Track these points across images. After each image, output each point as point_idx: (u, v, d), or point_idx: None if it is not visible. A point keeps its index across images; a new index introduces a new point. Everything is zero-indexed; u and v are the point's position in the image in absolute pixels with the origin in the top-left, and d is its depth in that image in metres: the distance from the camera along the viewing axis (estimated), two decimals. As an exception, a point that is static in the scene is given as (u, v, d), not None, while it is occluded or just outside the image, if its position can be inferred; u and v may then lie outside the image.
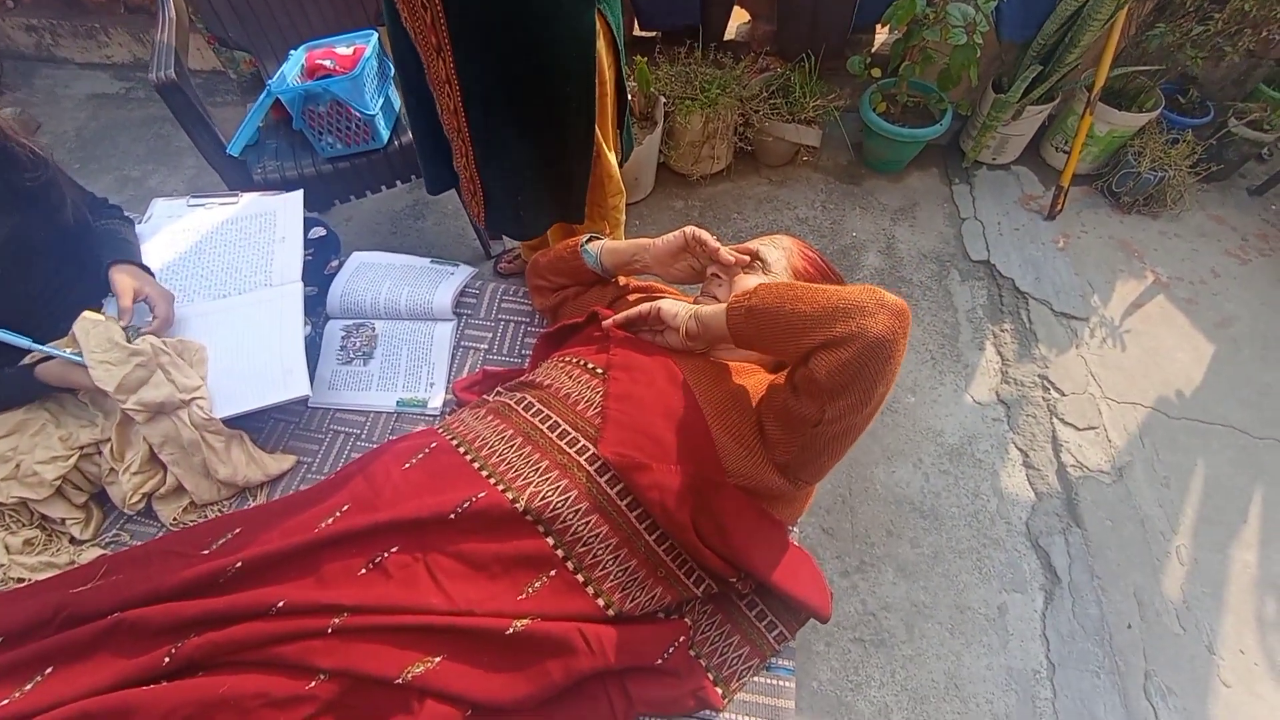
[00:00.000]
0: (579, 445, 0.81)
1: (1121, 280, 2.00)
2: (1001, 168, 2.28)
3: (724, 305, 0.84)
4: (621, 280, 1.13)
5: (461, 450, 0.86)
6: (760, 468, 0.82)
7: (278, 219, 1.20)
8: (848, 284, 0.79)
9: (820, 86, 2.12)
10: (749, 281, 0.96)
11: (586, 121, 1.12)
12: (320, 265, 1.28)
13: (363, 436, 1.16)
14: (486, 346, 1.25)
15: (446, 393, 1.20)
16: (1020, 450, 1.65)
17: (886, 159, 2.24)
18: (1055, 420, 1.70)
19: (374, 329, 1.26)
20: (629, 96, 1.51)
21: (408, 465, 0.86)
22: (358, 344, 1.24)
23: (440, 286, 1.27)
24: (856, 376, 0.69)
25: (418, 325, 1.25)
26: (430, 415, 1.18)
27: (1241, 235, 2.13)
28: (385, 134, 1.54)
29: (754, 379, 0.91)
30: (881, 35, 2.37)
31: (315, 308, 1.28)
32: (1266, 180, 2.25)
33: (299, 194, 1.23)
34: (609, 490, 0.78)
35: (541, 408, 0.88)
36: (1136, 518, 1.54)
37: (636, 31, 2.30)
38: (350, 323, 1.26)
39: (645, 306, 0.94)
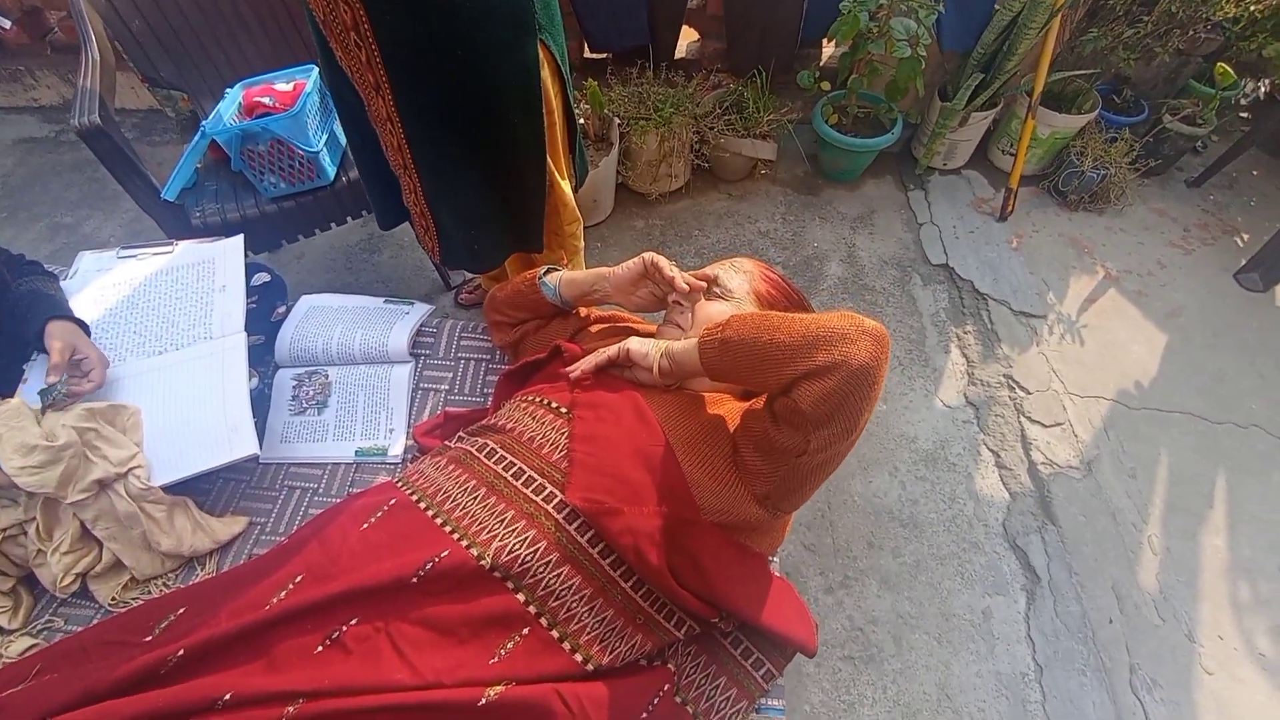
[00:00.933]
0: (545, 492, 0.78)
1: (1074, 276, 2.05)
2: (953, 172, 2.33)
3: (695, 340, 0.82)
4: (583, 311, 1.10)
5: (422, 505, 0.81)
6: (737, 501, 0.79)
7: (217, 267, 1.14)
8: (817, 309, 0.78)
9: (772, 101, 2.14)
10: (713, 309, 0.94)
11: (537, 152, 1.09)
12: (266, 312, 1.22)
13: (320, 491, 1.10)
14: (447, 387, 1.20)
15: (408, 438, 1.15)
16: (992, 451, 1.66)
17: (842, 169, 2.27)
18: (1023, 419, 1.72)
19: (327, 376, 1.20)
20: (580, 121, 1.49)
21: (366, 525, 0.81)
22: (310, 393, 1.19)
23: (395, 327, 1.22)
24: (841, 405, 0.67)
25: (374, 369, 1.20)
26: (391, 463, 1.13)
27: (1183, 226, 2.21)
28: (331, 170, 1.49)
29: (726, 407, 0.89)
30: (829, 49, 2.41)
31: (264, 357, 1.22)
32: (1202, 172, 2.34)
33: (239, 239, 1.17)
34: (579, 538, 0.75)
35: (505, 454, 0.84)
36: (1108, 511, 1.56)
37: (587, 54, 2.30)
38: (302, 371, 1.20)
39: (612, 349, 0.91)
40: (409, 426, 1.16)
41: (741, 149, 2.11)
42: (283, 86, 1.45)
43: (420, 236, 1.26)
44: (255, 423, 1.00)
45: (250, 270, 1.20)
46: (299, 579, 0.75)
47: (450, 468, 0.86)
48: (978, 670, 1.35)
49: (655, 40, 2.12)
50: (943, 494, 1.59)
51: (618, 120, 2.01)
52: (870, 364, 0.66)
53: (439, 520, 0.79)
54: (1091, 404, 1.74)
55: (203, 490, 1.04)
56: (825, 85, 2.06)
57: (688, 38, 2.38)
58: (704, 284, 0.95)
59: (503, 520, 0.76)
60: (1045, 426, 1.70)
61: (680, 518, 0.77)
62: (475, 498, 0.80)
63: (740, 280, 0.98)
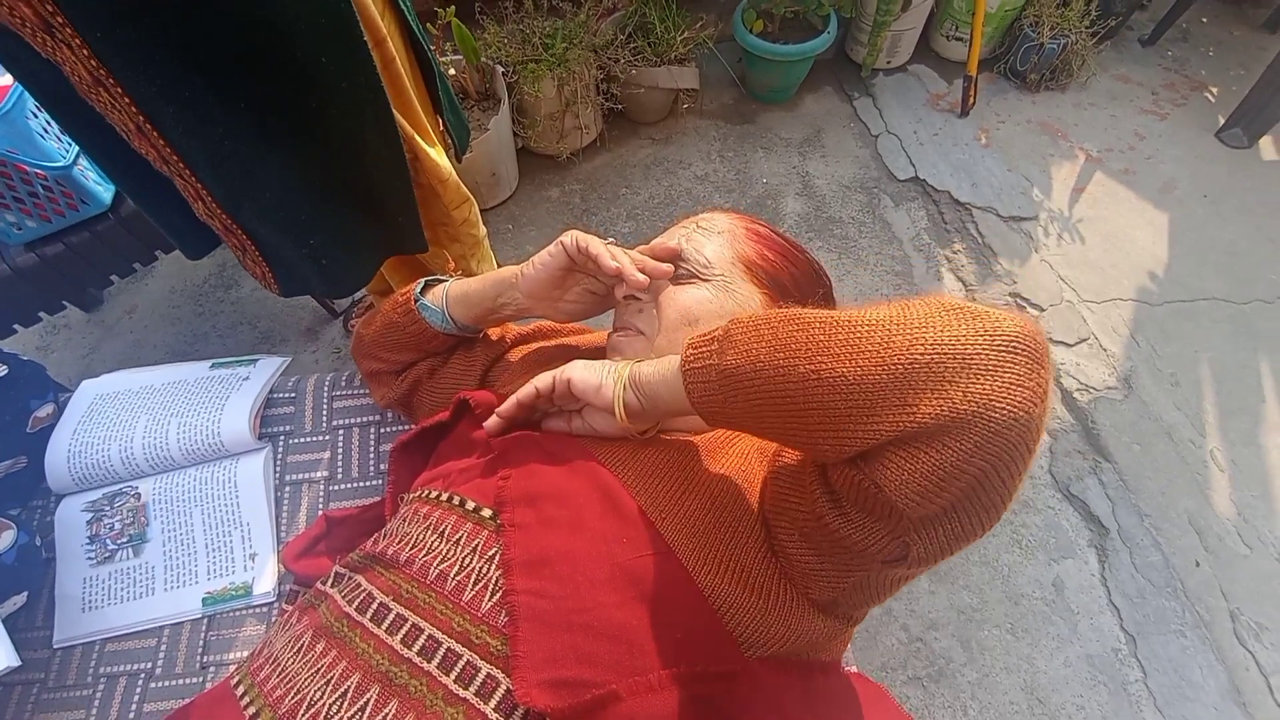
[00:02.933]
0: (480, 680, 0.44)
1: (1055, 166, 1.80)
2: (899, 70, 2.03)
3: (673, 362, 0.49)
4: (493, 334, 0.75)
5: (270, 733, 0.47)
6: (793, 617, 0.48)
7: None
8: (909, 299, 0.42)
9: (683, 17, 1.76)
10: (686, 298, 0.61)
11: (374, 108, 0.71)
12: (15, 422, 0.81)
13: (158, 673, 0.74)
14: (325, 474, 0.83)
15: (280, 563, 0.78)
16: (1016, 386, 1.42)
17: (775, 86, 1.93)
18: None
19: (138, 495, 0.81)
20: (451, 73, 1.10)
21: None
22: (116, 526, 0.80)
23: (229, 401, 0.83)
24: (970, 493, 0.36)
25: (209, 470, 0.82)
26: (261, 606, 0.76)
27: (1150, 90, 1.99)
28: (106, 192, 1.05)
29: (733, 454, 0.57)
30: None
31: (33, 487, 0.81)
32: (1154, 28, 2.12)
33: None
34: (555, 764, 0.42)
35: (403, 612, 0.49)
36: (1161, 431, 1.34)
37: (446, -7, 1.85)
38: (97, 496, 0.81)
39: (541, 380, 0.57)
40: (278, 545, 0.79)
41: (657, 80, 1.74)
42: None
43: (242, 263, 0.86)
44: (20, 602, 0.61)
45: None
46: None
47: (319, 650, 0.50)
48: (1064, 659, 1.12)
49: (528, -39, 1.70)
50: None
51: (501, 69, 1.61)
52: (1027, 412, 0.34)
53: (297, 766, 0.44)
54: (1111, 309, 1.52)
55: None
56: (743, -15, 1.70)
57: (567, -45, 1.95)
58: (667, 264, 0.62)
59: (411, 752, 0.43)
60: (1069, 346, 1.46)
61: (710, 673, 0.45)
62: (362, 709, 0.45)
63: (716, 245, 0.65)
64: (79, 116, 0.65)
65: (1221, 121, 1.87)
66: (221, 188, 0.71)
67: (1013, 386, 0.34)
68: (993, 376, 0.34)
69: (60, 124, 0.72)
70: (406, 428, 0.84)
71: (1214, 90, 1.99)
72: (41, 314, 1.11)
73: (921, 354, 0.35)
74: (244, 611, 0.76)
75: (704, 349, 0.46)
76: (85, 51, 0.56)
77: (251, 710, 0.49)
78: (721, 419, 0.47)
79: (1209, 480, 1.28)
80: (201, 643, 0.74)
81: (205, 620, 0.76)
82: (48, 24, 0.54)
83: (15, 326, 1.08)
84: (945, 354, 0.35)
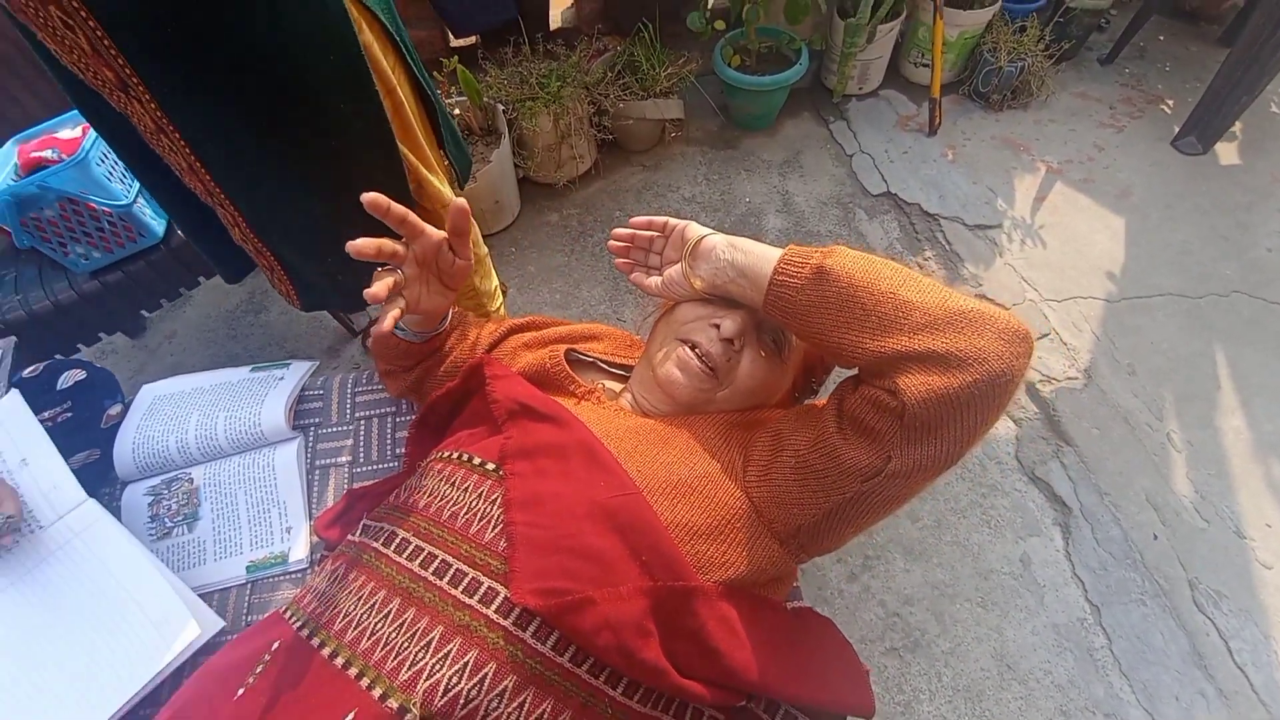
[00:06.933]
0: (482, 590, 0.55)
1: (1017, 177, 1.93)
2: (870, 95, 2.19)
3: (774, 253, 0.61)
4: (491, 326, 0.87)
5: (317, 643, 0.58)
6: (751, 544, 0.59)
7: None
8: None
9: (667, 54, 1.93)
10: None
11: (379, 140, 0.85)
12: (92, 419, 0.94)
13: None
14: (349, 459, 0.96)
15: (312, 535, 0.90)
16: (984, 380, 1.52)
17: (755, 113, 2.09)
18: (1008, 338, 1.58)
19: (191, 480, 0.93)
20: (456, 113, 1.25)
21: (242, 689, 0.57)
22: (173, 506, 0.92)
23: (268, 399, 0.96)
24: (956, 416, 0.50)
25: (250, 458, 0.94)
26: (296, 572, 0.88)
27: (1108, 105, 2.13)
28: (159, 225, 1.20)
29: (699, 427, 0.68)
30: (714, -12, 2.22)
31: (105, 475, 0.94)
32: (1112, 48, 2.26)
33: (14, 398, 0.82)
34: (540, 647, 0.53)
35: (421, 544, 0.61)
36: (1119, 416, 1.43)
37: (452, 43, 2.04)
38: (156, 481, 0.93)
39: (666, 218, 0.71)
40: (310, 520, 0.91)
41: (645, 112, 1.90)
42: (68, 134, 1.15)
43: (271, 281, 1.00)
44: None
45: (54, 370, 0.92)
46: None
47: (350, 577, 0.62)
48: (1032, 627, 1.20)
49: (523, 12, 1.88)
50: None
51: (501, 107, 1.77)
52: (1013, 374, 0.49)
53: (340, 661, 0.55)
54: (1071, 306, 1.62)
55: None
56: (720, 25, 1.87)
57: (560, 4, 2.15)
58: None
59: (428, 644, 0.54)
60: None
61: (672, 589, 0.56)
62: (386, 616, 0.57)
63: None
64: (142, 159, 0.80)
65: (1177, 131, 1.99)
66: (253, 215, 0.86)
67: (1012, 354, 0.49)
68: (1001, 342, 0.49)
69: (125, 164, 0.87)
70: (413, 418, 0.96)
71: (1170, 103, 2.12)
72: (101, 334, 1.25)
73: (967, 309, 0.51)
74: (281, 577, 0.88)
75: (809, 250, 0.58)
76: (153, 105, 0.70)
77: (297, 624, 0.61)
78: (783, 303, 0.58)
79: (1166, 461, 1.37)
80: (246, 604, 0.86)
81: (249, 585, 0.87)
82: (124, 83, 0.68)
83: (79, 346, 1.23)
84: (982, 316, 0.50)
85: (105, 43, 0.61)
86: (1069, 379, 1.49)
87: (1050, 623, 1.20)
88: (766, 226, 1.86)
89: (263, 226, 0.83)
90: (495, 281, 1.29)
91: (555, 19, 2.11)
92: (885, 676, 1.17)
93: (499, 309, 1.29)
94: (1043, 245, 1.75)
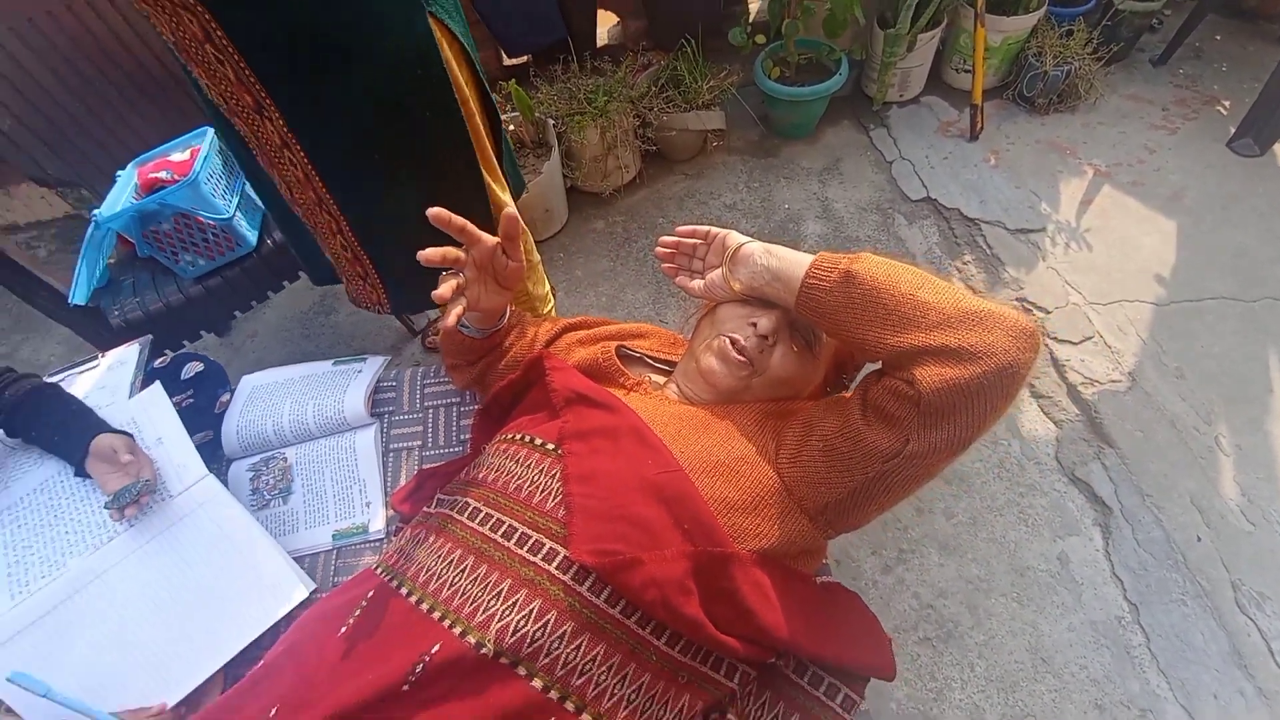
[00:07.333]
0: (545, 550, 0.64)
1: (1063, 181, 1.93)
2: (911, 102, 2.21)
3: (806, 259, 0.68)
4: (545, 325, 0.96)
5: (404, 591, 0.68)
6: (782, 518, 0.66)
7: (140, 424, 0.95)
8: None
9: (709, 68, 2.01)
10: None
11: (459, 143, 0.96)
12: (208, 405, 1.08)
13: (300, 590, 0.95)
14: (419, 443, 1.06)
15: (388, 509, 1.01)
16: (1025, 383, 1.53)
17: (795, 123, 2.14)
18: (1049, 340, 1.59)
19: (286, 459, 1.06)
20: (510, 128, 1.36)
21: (344, 628, 0.67)
22: (271, 481, 1.05)
23: (349, 389, 1.08)
24: (968, 404, 0.55)
25: (335, 440, 1.06)
26: (375, 540, 0.99)
27: (1161, 107, 2.09)
28: (253, 236, 1.35)
29: (739, 415, 0.75)
30: (755, 2, 2.29)
31: (215, 453, 1.08)
32: (1165, 48, 2.22)
33: (155, 390, 0.97)
34: (595, 599, 0.61)
35: (490, 511, 0.70)
36: (1165, 419, 1.43)
37: (506, 62, 2.17)
38: (256, 459, 1.06)
39: (709, 227, 0.80)
40: (386, 496, 1.02)
41: (687, 123, 1.99)
42: (179, 156, 1.31)
43: (358, 290, 1.12)
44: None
45: (179, 362, 1.07)
46: (273, 713, 0.62)
47: (430, 539, 0.72)
48: (1069, 624, 1.22)
49: (572, 31, 1.99)
50: (983, 440, 1.45)
51: (552, 121, 1.88)
52: (1019, 367, 0.55)
53: (425, 606, 0.65)
54: (1117, 309, 1.62)
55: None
56: (760, 39, 1.94)
57: (606, 23, 2.25)
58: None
59: (499, 593, 0.63)
60: (1075, 344, 1.57)
61: (711, 554, 0.63)
62: (463, 570, 0.66)
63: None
64: (255, 176, 0.93)
65: (1233, 132, 1.95)
66: (355, 217, 0.97)
67: (1018, 349, 0.55)
68: (1009, 338, 0.55)
69: (247, 175, 1.00)
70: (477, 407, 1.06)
71: (1226, 104, 2.07)
72: (201, 332, 1.41)
73: (979, 308, 0.57)
74: (362, 545, 0.99)
75: (837, 256, 0.65)
76: (281, 123, 0.82)
77: (386, 577, 0.71)
78: (813, 304, 0.66)
79: (1213, 464, 1.36)
80: (333, 567, 0.97)
81: (335, 551, 0.98)
82: (260, 106, 0.81)
83: (184, 343, 1.39)
84: (992, 315, 0.56)
85: (246, 72, 0.73)
86: (1112, 381, 1.49)
87: (1087, 620, 1.22)
88: (805, 232, 1.91)
89: (363, 231, 0.95)
90: (547, 287, 1.40)
91: (602, 37, 2.22)
92: (918, 665, 1.21)
93: (550, 312, 1.39)
94: (1088, 249, 1.75)
